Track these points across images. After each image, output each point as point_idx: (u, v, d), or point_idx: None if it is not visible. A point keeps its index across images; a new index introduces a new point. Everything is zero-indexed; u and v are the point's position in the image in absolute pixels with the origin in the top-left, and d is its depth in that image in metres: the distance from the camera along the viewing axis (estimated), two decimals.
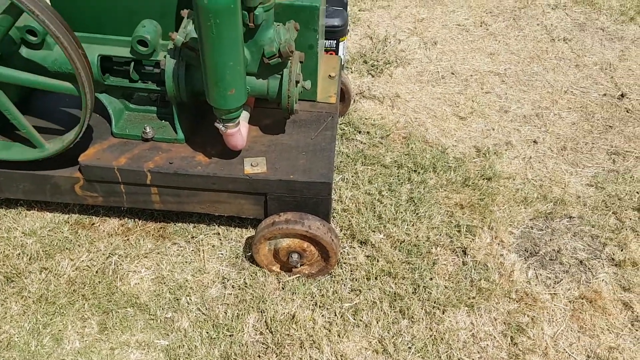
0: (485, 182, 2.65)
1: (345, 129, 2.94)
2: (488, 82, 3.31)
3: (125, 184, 2.12)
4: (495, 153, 2.82)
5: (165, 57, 1.99)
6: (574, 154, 2.85)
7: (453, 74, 3.37)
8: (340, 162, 2.73)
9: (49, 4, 1.94)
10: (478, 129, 2.99)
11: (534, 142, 2.91)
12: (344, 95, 2.91)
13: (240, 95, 1.93)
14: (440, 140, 2.90)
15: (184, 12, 2.01)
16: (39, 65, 1.99)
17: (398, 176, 2.66)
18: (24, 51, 1.98)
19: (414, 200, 2.53)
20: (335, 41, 2.90)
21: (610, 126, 3.03)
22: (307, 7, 2.11)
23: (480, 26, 3.78)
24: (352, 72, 3.37)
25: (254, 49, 1.99)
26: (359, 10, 3.91)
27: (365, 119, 3.02)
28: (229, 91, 1.87)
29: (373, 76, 3.36)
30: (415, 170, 2.69)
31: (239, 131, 2.06)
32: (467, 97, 3.19)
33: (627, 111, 3.13)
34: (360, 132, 2.93)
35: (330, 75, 2.57)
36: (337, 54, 2.93)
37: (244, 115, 2.16)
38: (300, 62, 2.11)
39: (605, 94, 3.24)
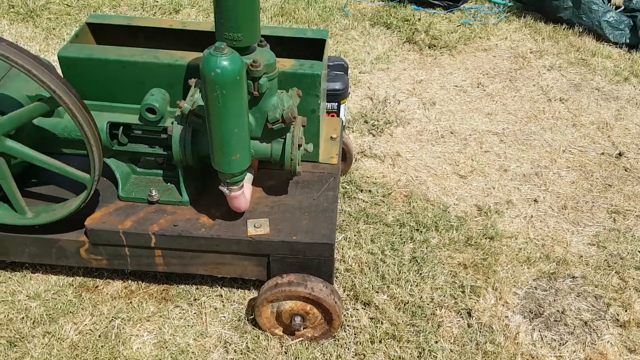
0: (488, 241, 2.66)
1: (347, 187, 2.98)
2: (487, 141, 3.37)
3: (130, 246, 2.14)
4: (496, 212, 2.84)
5: (172, 123, 2.06)
6: (575, 212, 2.88)
7: (452, 133, 3.45)
8: (343, 220, 2.76)
9: (61, 75, 2.03)
10: (479, 188, 3.03)
11: (534, 201, 2.94)
12: (346, 155, 2.97)
13: (245, 160, 1.98)
14: (441, 198, 2.94)
15: (192, 81, 2.09)
16: (48, 132, 2.06)
17: (400, 235, 2.67)
18: (35, 119, 2.05)
19: (417, 260, 2.53)
20: (336, 103, 2.99)
21: (609, 185, 3.06)
22: (309, 75, 2.19)
23: (478, 87, 3.89)
24: (353, 132, 3.45)
25: (258, 114, 2.06)
26: (360, 73, 4.03)
27: (367, 177, 3.07)
28: (233, 156, 1.93)
29: (374, 135, 3.42)
30: (417, 229, 2.71)
31: (243, 194, 2.10)
32: (467, 156, 3.25)
33: (625, 170, 3.17)
34: (362, 190, 2.97)
35: (332, 137, 2.64)
36: (338, 115, 3.02)
37: (248, 177, 2.20)
38: (303, 126, 2.18)
39: (603, 153, 3.29)
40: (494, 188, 3.02)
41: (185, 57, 2.17)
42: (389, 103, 3.70)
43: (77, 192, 2.14)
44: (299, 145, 2.13)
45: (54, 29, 4.26)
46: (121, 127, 2.12)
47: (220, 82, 1.72)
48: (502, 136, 3.42)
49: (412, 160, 3.23)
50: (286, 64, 2.20)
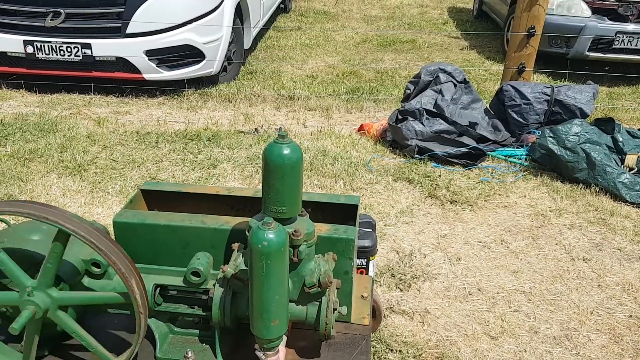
0: None
1: (377, 346, 2.96)
2: (515, 300, 3.39)
3: None
4: None
5: (214, 285, 2.15)
6: None
7: (479, 290, 3.48)
8: None
9: (114, 239, 2.19)
10: (510, 350, 2.99)
11: None
12: (375, 312, 2.99)
13: (283, 325, 2.03)
14: None
15: (235, 245, 2.23)
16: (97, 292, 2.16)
17: None
18: (86, 280, 2.16)
19: None
20: (365, 260, 3.09)
21: None
22: (343, 239, 2.32)
23: (501, 244, 3.99)
24: (380, 286, 3.50)
25: (296, 279, 2.15)
26: (385, 226, 4.18)
27: (397, 335, 3.06)
28: (272, 322, 1.99)
29: (401, 290, 3.47)
30: None
31: (278, 358, 2.12)
32: (496, 316, 3.25)
33: None
34: (392, 350, 2.95)
35: (362, 296, 2.69)
36: (367, 271, 3.10)
37: (282, 340, 2.24)
38: (337, 288, 2.25)
39: (631, 315, 3.27)
40: (525, 351, 2.98)
41: (229, 222, 2.33)
42: (415, 257, 3.79)
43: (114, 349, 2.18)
44: (334, 309, 2.20)
45: (99, 182, 4.58)
46: (157, 288, 2.21)
47: (266, 253, 1.84)
48: (529, 295, 3.44)
49: (441, 318, 3.23)
50: (322, 229, 2.35)
